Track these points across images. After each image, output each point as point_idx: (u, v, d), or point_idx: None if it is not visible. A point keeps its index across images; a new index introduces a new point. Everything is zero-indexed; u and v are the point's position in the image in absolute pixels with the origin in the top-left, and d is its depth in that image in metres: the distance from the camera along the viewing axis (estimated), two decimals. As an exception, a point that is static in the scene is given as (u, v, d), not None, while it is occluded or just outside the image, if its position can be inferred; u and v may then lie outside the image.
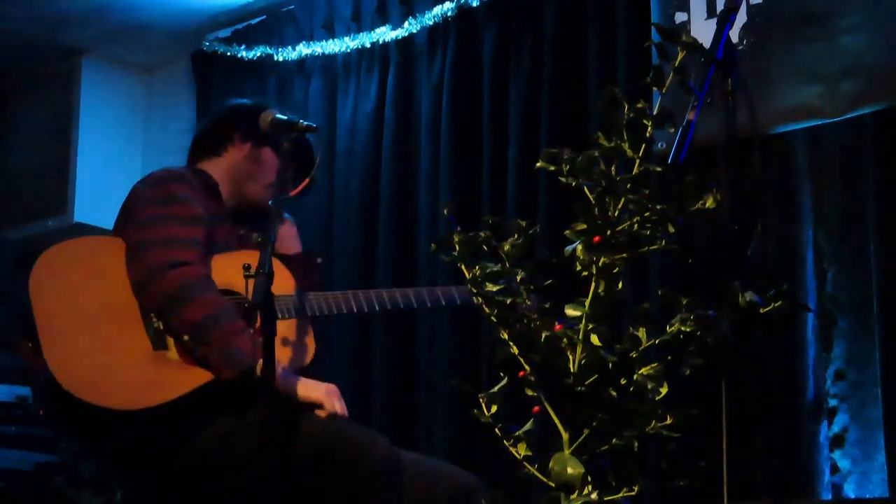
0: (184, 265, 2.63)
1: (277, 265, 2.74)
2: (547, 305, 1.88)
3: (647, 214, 1.85)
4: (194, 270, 2.65)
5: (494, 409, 1.91)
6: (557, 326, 1.86)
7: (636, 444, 1.85)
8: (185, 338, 2.60)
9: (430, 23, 4.54)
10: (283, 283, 2.76)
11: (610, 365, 1.83)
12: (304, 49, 4.96)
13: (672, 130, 2.05)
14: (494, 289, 1.89)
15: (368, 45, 4.75)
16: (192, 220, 2.75)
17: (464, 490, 2.73)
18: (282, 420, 2.44)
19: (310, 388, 2.64)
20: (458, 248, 1.93)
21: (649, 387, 1.86)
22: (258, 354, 2.50)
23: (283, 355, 2.67)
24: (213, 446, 2.59)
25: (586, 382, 1.83)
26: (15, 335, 2.68)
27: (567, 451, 1.82)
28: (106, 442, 2.67)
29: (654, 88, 1.91)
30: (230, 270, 2.70)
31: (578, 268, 1.87)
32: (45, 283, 2.67)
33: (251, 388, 2.54)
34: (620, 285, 1.87)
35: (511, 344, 1.88)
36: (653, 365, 1.87)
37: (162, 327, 2.64)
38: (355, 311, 2.84)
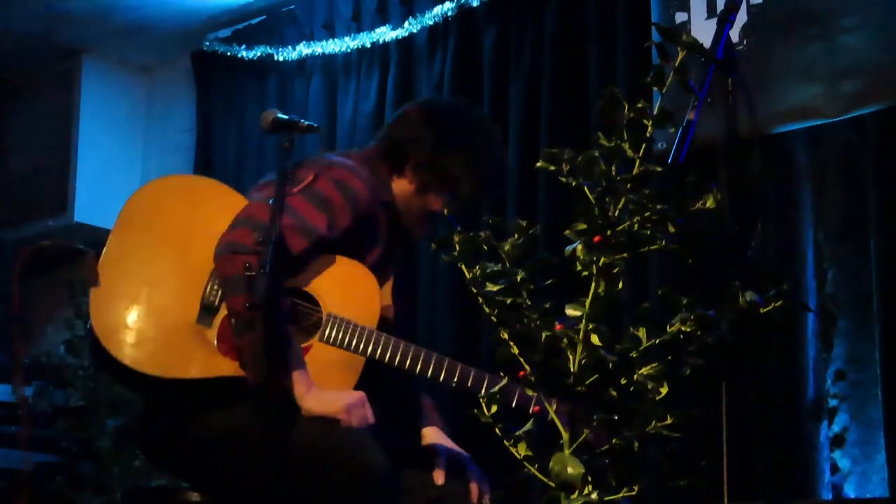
0: (251, 254, 2.51)
1: (370, 288, 2.72)
2: (547, 305, 1.88)
3: (647, 214, 1.86)
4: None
5: (494, 409, 1.91)
6: (558, 326, 1.86)
7: (636, 444, 1.85)
8: (232, 321, 2.54)
9: (430, 23, 4.54)
10: (361, 309, 2.70)
11: (610, 365, 1.83)
12: (304, 49, 4.96)
13: (672, 130, 2.05)
14: (494, 289, 1.89)
15: (368, 45, 4.75)
16: (306, 231, 2.62)
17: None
18: (281, 418, 2.40)
19: (329, 403, 2.55)
20: (458, 248, 1.93)
21: (649, 387, 1.86)
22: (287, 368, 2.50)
23: (322, 380, 2.60)
24: (210, 436, 2.56)
25: (586, 382, 1.83)
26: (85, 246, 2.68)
27: (567, 451, 1.82)
28: (123, 384, 2.75)
29: (654, 88, 1.91)
30: (319, 276, 2.66)
31: (578, 268, 1.87)
32: (137, 212, 2.69)
33: (264, 393, 2.48)
34: (620, 285, 1.87)
35: (511, 344, 1.88)
36: (653, 365, 1.87)
37: (216, 304, 2.60)
38: (429, 375, 2.78)
